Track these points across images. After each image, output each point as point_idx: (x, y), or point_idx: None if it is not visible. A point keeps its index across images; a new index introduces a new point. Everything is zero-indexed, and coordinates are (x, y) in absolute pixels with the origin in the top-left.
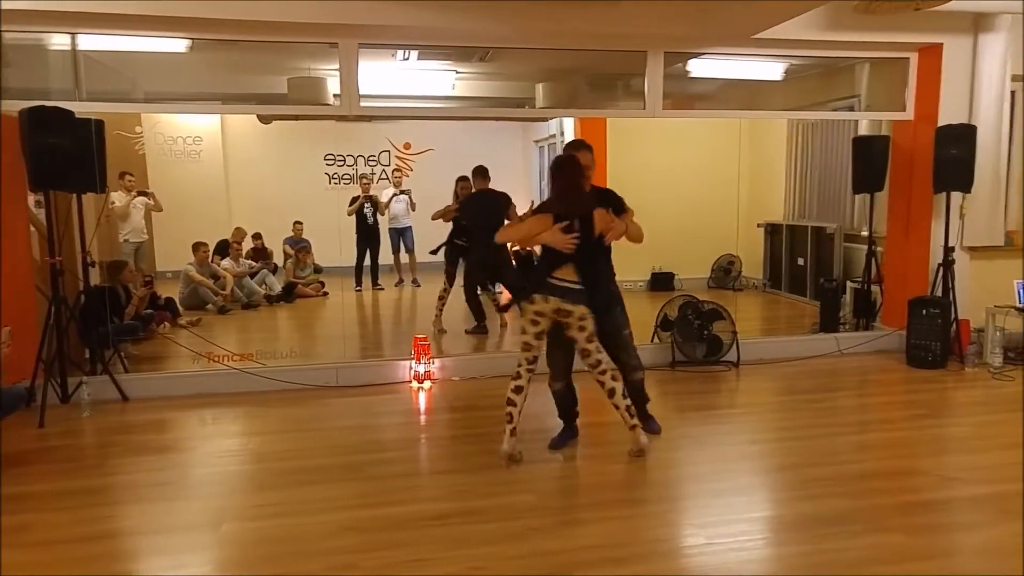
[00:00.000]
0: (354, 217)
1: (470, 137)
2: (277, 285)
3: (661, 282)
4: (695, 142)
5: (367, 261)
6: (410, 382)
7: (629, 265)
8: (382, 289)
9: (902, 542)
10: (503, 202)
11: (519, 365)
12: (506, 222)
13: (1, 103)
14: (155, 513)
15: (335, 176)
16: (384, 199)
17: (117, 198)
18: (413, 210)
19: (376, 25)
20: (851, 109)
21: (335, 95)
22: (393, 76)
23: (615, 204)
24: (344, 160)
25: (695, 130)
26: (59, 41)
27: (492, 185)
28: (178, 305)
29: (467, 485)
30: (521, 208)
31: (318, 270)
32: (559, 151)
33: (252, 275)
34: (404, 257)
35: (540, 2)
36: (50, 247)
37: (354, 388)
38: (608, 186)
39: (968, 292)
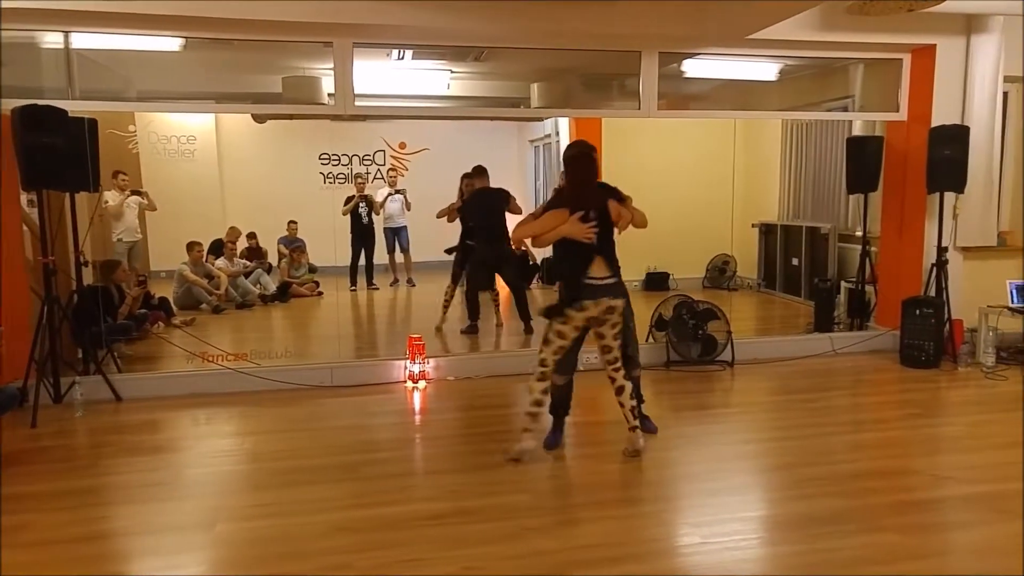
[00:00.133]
0: (349, 217)
1: (465, 137)
2: (272, 285)
3: (656, 282)
4: (690, 142)
5: (362, 261)
6: (405, 382)
7: (624, 264)
8: (377, 289)
9: (896, 541)
10: (503, 198)
11: (545, 366)
12: (507, 216)
13: (1, 102)
14: (148, 513)
15: (330, 175)
16: (379, 199)
17: (111, 197)
18: (408, 210)
19: (371, 24)
20: (845, 110)
21: (330, 94)
22: (388, 75)
23: (614, 194)
24: (339, 159)
25: (690, 130)
26: (52, 39)
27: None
28: (172, 305)
29: (462, 485)
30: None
31: (313, 270)
32: (554, 151)
33: (247, 275)
34: (399, 257)
35: (535, 2)
36: (43, 246)
37: (349, 388)
38: None
39: (961, 292)
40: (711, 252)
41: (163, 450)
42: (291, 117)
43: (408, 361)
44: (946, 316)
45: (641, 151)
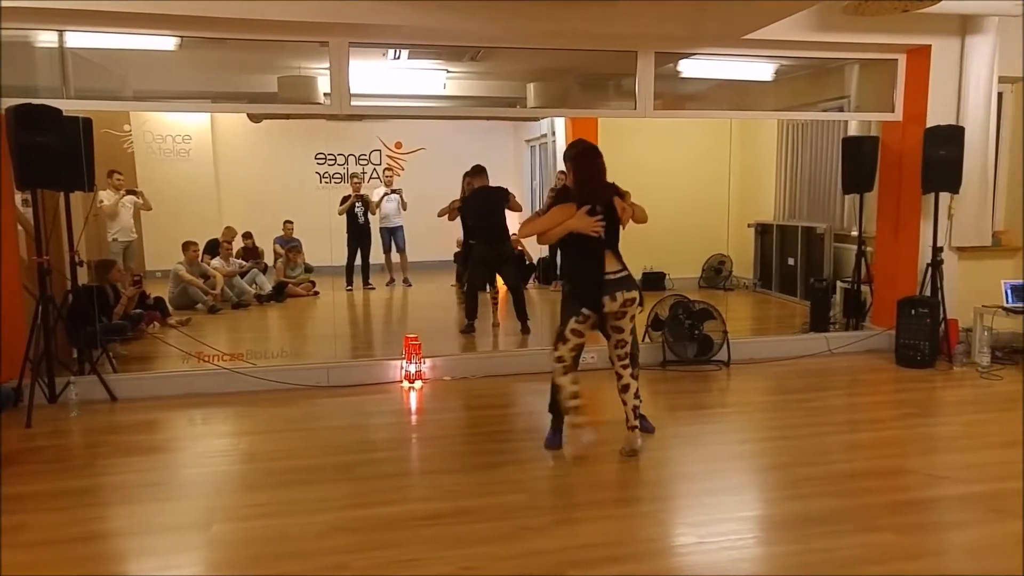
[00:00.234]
0: (345, 216)
1: (461, 136)
2: (267, 284)
3: (652, 282)
4: (686, 142)
5: (358, 260)
6: (401, 382)
7: None
8: (373, 288)
9: (892, 541)
10: (502, 196)
11: (562, 361)
12: (507, 213)
13: (1, 101)
14: (144, 514)
15: (326, 175)
16: (375, 198)
17: (105, 197)
18: (404, 209)
19: (367, 24)
20: (840, 110)
21: (326, 94)
22: (384, 75)
23: (614, 190)
24: (335, 159)
25: (686, 130)
26: (46, 38)
27: None
28: (168, 304)
29: (459, 485)
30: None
31: (309, 269)
32: (550, 151)
33: (242, 274)
34: (395, 256)
35: (531, 2)
36: (37, 246)
37: (345, 388)
38: None
39: (956, 292)
40: (707, 252)
41: (159, 450)
42: (287, 117)
43: (404, 361)
44: (941, 316)
45: (637, 151)
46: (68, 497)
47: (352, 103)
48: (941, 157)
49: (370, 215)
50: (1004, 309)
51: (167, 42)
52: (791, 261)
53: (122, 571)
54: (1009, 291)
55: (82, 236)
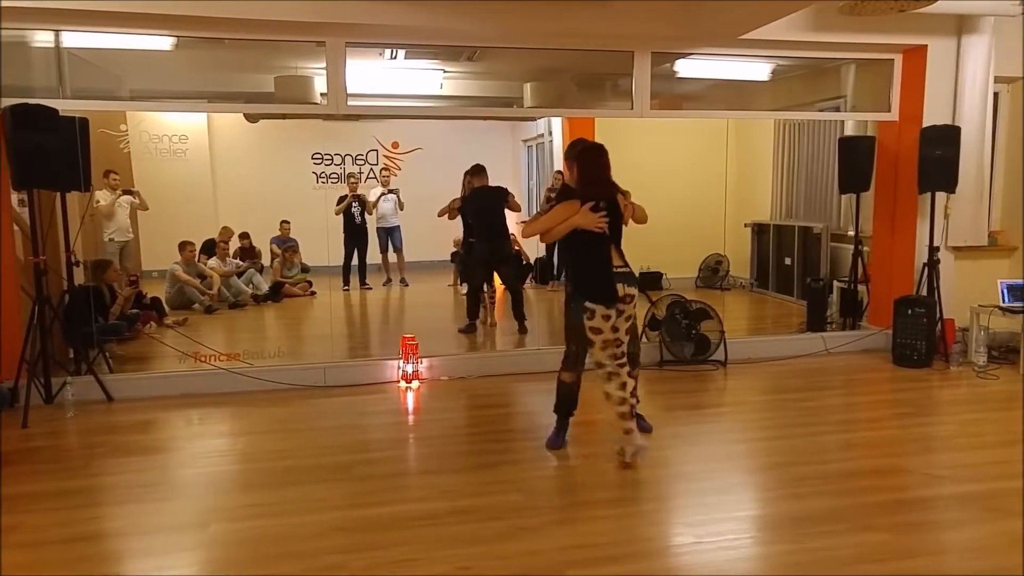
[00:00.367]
0: (342, 216)
1: (458, 136)
2: (264, 285)
3: (649, 281)
4: (683, 142)
5: (355, 260)
6: (398, 382)
7: None
8: (370, 288)
9: (888, 540)
10: (502, 196)
11: (603, 366)
12: (507, 212)
13: (1, 101)
14: (141, 514)
15: (323, 175)
16: (372, 198)
17: (102, 197)
18: (401, 209)
19: (364, 24)
20: (837, 110)
21: (322, 94)
22: (381, 75)
23: (616, 189)
24: (332, 159)
25: (683, 130)
26: (42, 38)
27: None
28: (164, 305)
29: (456, 484)
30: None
31: (305, 269)
32: (547, 150)
33: (239, 274)
34: (392, 256)
35: (528, 2)
36: (34, 246)
37: (342, 388)
38: None
39: (953, 291)
40: (704, 252)
41: (156, 450)
42: (284, 117)
43: (401, 361)
44: (938, 315)
45: (634, 151)
46: (65, 497)
47: (349, 103)
48: (937, 157)
49: (367, 215)
50: (1000, 308)
51: (163, 42)
52: (788, 261)
53: (119, 571)
54: (1005, 290)
55: (78, 236)
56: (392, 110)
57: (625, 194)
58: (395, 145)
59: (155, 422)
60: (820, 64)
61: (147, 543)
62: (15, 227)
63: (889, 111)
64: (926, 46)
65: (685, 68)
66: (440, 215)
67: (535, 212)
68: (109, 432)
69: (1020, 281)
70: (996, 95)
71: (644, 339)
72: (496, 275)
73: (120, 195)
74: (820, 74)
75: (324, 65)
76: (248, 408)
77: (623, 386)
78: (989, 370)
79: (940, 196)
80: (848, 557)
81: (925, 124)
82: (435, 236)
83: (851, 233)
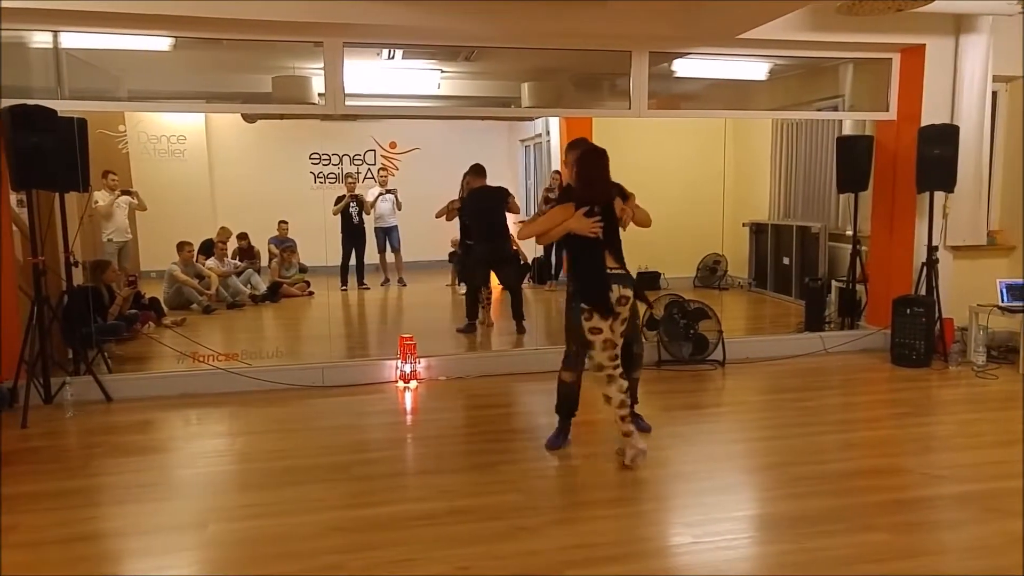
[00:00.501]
0: (340, 216)
1: (456, 136)
2: (262, 285)
3: (647, 281)
4: (681, 142)
5: (353, 260)
6: (396, 382)
7: None
8: (368, 289)
9: (887, 540)
10: (501, 197)
11: (603, 369)
12: (507, 215)
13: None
14: (140, 514)
15: (320, 175)
16: (370, 198)
17: (100, 197)
18: (399, 209)
19: (361, 24)
20: (835, 109)
21: (320, 94)
22: (378, 75)
23: (619, 191)
24: (329, 159)
25: (680, 130)
26: (41, 39)
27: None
28: (163, 305)
29: (454, 484)
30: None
31: (303, 270)
32: (545, 150)
33: (237, 275)
34: (390, 256)
35: (525, 2)
36: (32, 247)
37: (340, 388)
38: None
39: (951, 291)
40: (702, 251)
41: (154, 450)
42: (281, 117)
43: (399, 361)
44: (936, 315)
45: (632, 151)
46: (64, 497)
47: (347, 103)
48: (936, 156)
49: (365, 215)
50: (999, 308)
51: (162, 42)
52: (786, 260)
53: (118, 571)
54: (1004, 290)
55: (77, 237)
56: (390, 110)
57: (629, 196)
58: (393, 145)
59: (154, 422)
60: (818, 63)
61: (146, 543)
62: (14, 228)
63: (887, 110)
64: (924, 45)
65: (683, 68)
66: (438, 216)
67: (533, 212)
68: (108, 432)
69: (1019, 280)
70: (994, 94)
71: (642, 339)
72: (494, 275)
73: (119, 196)
74: (818, 73)
75: (322, 65)
76: (246, 408)
77: (622, 389)
78: (988, 370)
79: (939, 195)
80: (847, 557)
81: (923, 123)
82: (433, 236)
83: (849, 233)
